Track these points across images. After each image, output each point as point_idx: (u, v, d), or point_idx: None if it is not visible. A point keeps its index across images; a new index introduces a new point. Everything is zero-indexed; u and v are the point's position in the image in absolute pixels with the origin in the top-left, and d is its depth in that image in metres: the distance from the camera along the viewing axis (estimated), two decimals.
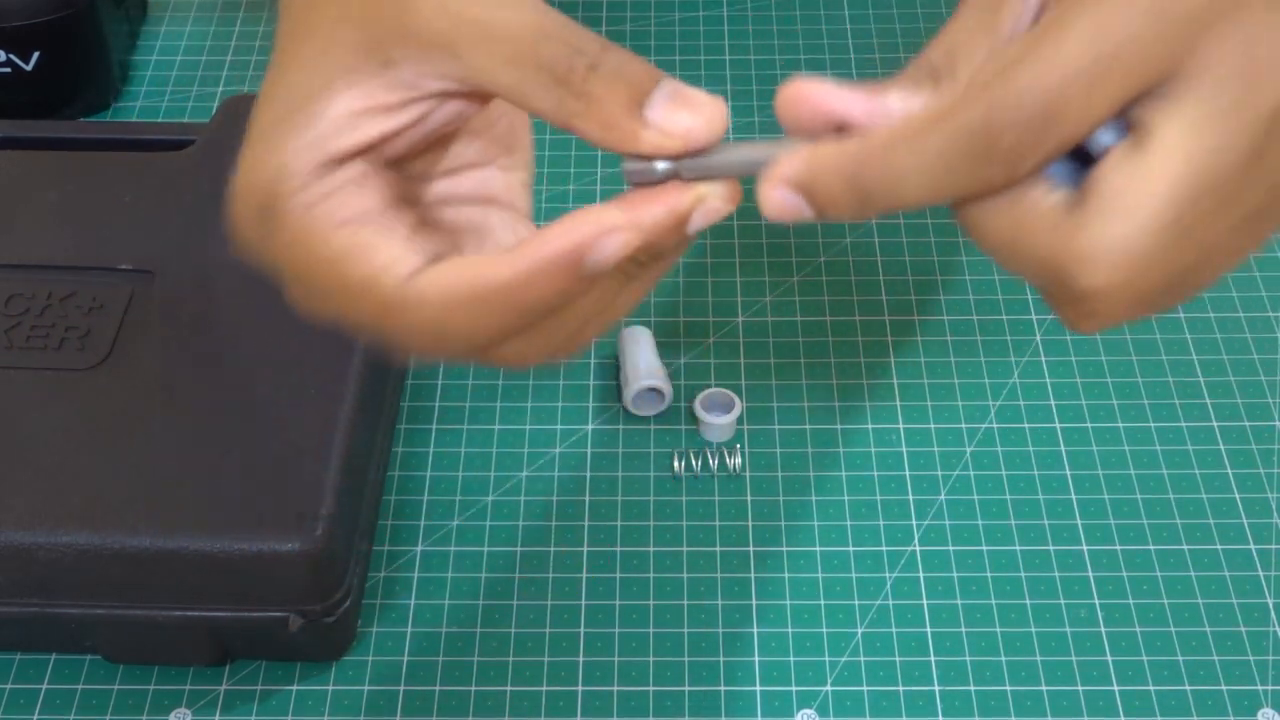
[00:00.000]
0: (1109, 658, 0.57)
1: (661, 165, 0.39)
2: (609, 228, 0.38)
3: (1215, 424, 0.65)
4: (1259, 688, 0.56)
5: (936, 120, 0.35)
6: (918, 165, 0.35)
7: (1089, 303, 0.36)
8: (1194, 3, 0.34)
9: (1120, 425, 0.65)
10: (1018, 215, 0.36)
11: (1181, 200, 0.34)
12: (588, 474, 0.63)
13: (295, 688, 0.57)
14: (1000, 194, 0.35)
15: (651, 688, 0.57)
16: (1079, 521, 0.61)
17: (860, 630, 0.58)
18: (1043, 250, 0.35)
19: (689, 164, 0.39)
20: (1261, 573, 0.60)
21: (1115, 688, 0.56)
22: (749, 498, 0.62)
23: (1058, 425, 0.65)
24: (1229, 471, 0.63)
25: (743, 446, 0.64)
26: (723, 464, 0.63)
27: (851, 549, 0.61)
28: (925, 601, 0.59)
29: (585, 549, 0.61)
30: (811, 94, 0.37)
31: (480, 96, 0.40)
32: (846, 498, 0.62)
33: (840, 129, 0.36)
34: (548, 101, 0.38)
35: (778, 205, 0.39)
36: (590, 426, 0.65)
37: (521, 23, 0.37)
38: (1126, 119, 0.35)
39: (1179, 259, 0.35)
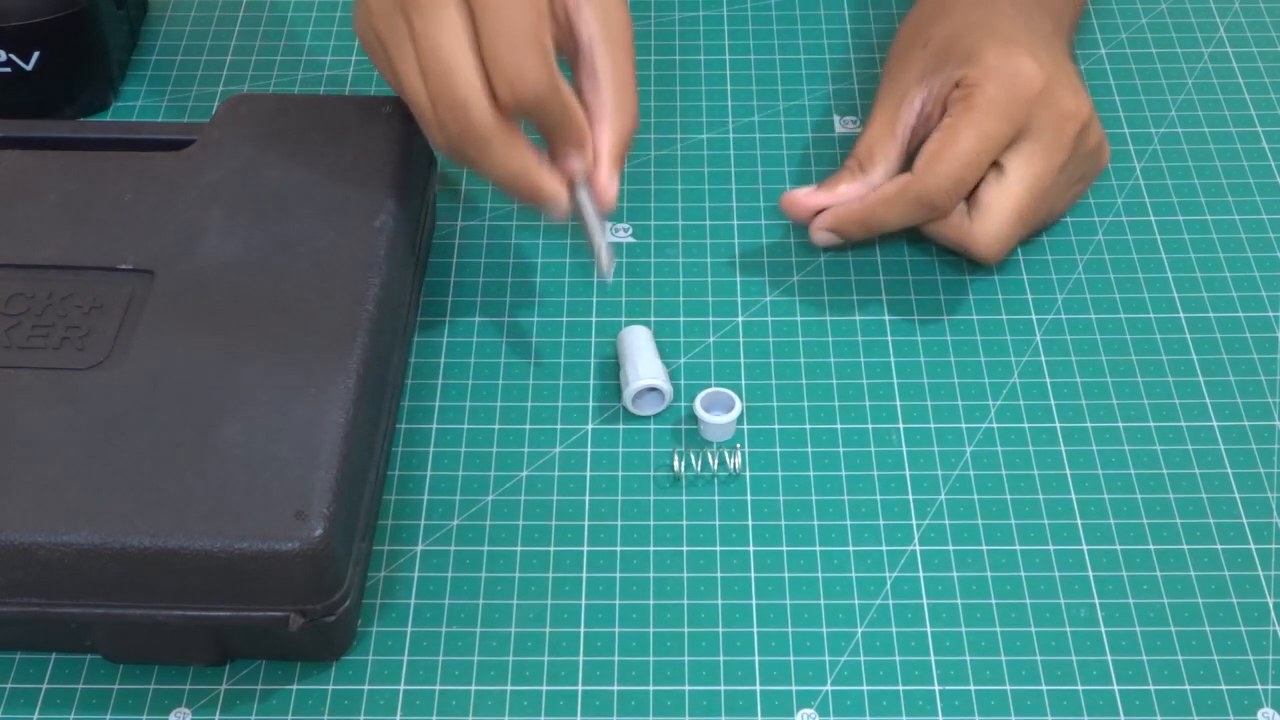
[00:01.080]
0: (1109, 657, 0.57)
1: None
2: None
3: (1215, 424, 0.65)
4: (1259, 687, 0.56)
5: (900, 192, 0.66)
6: (895, 215, 0.67)
7: (981, 256, 0.67)
8: (1029, 100, 0.65)
9: (1120, 425, 0.65)
10: (942, 224, 0.67)
11: (1023, 203, 0.66)
12: (588, 474, 0.63)
13: (295, 688, 0.57)
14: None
15: (651, 687, 0.57)
16: (1079, 521, 0.61)
17: (860, 630, 0.58)
18: (954, 236, 0.67)
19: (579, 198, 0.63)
20: (1261, 573, 0.60)
21: (1115, 687, 0.56)
22: (749, 498, 0.62)
23: (1058, 425, 0.65)
24: (1229, 471, 0.63)
25: (743, 446, 0.64)
26: (723, 464, 0.63)
27: (851, 549, 0.61)
28: (925, 601, 0.59)
29: (585, 549, 0.61)
30: (801, 198, 0.69)
31: None
32: (846, 498, 0.62)
33: (819, 211, 0.68)
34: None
35: (824, 239, 0.69)
36: (590, 426, 0.65)
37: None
38: None
39: (1025, 229, 0.67)
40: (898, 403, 0.65)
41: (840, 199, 0.68)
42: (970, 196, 0.66)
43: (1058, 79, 0.66)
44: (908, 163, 0.67)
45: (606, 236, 0.64)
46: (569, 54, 0.62)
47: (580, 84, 0.62)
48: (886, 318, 0.69)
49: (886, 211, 0.66)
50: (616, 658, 0.57)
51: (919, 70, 0.68)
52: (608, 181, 0.62)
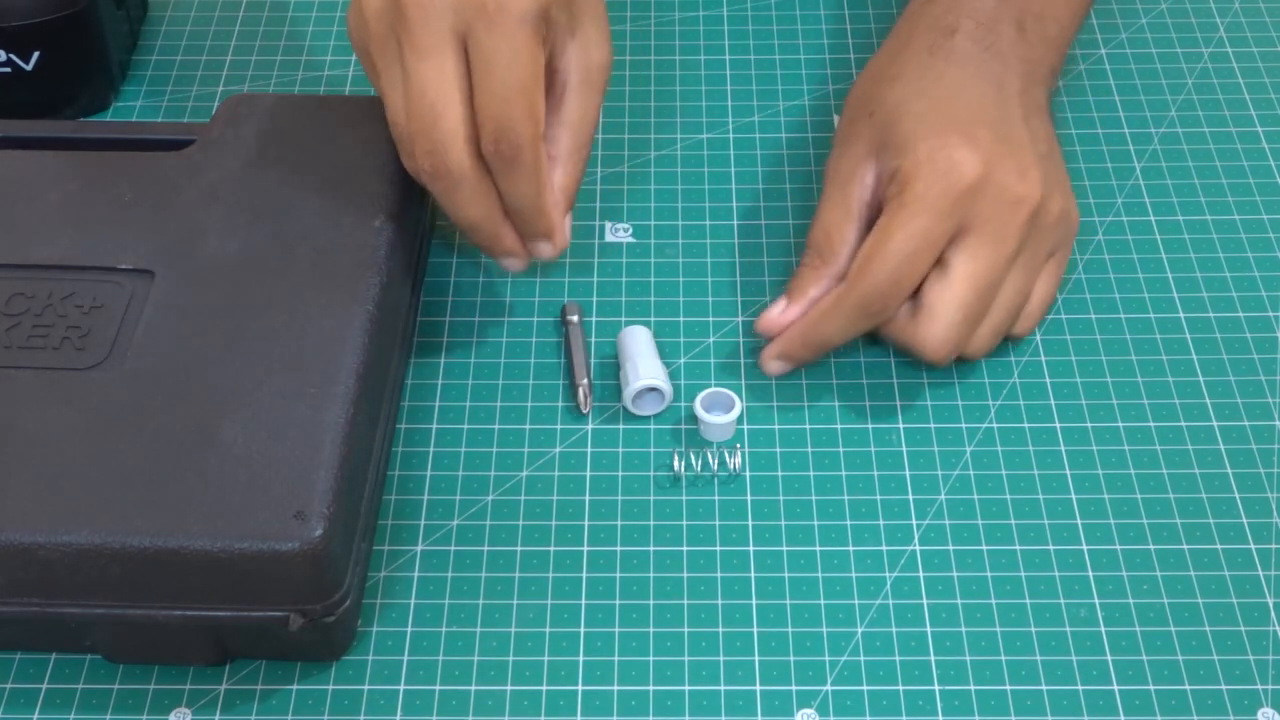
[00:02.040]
0: (1109, 657, 0.57)
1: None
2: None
3: (1215, 424, 0.65)
4: (1259, 687, 0.56)
5: (837, 303, 0.62)
6: (837, 328, 0.63)
7: (929, 360, 0.62)
8: (966, 192, 0.61)
9: (1120, 425, 0.65)
10: (890, 326, 0.63)
11: (968, 301, 0.61)
12: (588, 474, 0.63)
13: (295, 688, 0.57)
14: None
15: (651, 687, 0.57)
16: (1079, 521, 0.61)
17: (860, 630, 0.58)
18: (900, 337, 0.63)
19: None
20: (1261, 573, 0.60)
21: (1115, 687, 0.56)
22: (749, 498, 0.62)
23: (1058, 425, 0.65)
24: (1229, 471, 0.63)
25: (743, 446, 0.64)
26: (723, 464, 0.63)
27: (851, 549, 0.61)
28: (925, 601, 0.59)
29: (585, 549, 0.61)
30: (777, 320, 0.65)
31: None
32: (846, 498, 0.62)
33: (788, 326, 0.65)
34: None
35: (775, 369, 0.66)
36: (590, 426, 0.65)
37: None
38: None
39: (970, 325, 0.62)
40: (898, 403, 0.65)
41: (812, 303, 0.64)
42: (914, 296, 0.62)
43: (1001, 164, 0.62)
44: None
45: (590, 375, 0.65)
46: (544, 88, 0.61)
47: (546, 118, 0.61)
48: None
49: (829, 325, 0.62)
50: (616, 658, 0.57)
51: (866, 144, 0.65)
52: (563, 224, 0.63)
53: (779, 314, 0.65)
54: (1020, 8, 0.69)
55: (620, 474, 0.63)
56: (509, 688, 0.57)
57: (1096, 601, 0.59)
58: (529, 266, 0.64)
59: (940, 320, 0.61)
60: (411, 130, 0.59)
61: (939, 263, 0.62)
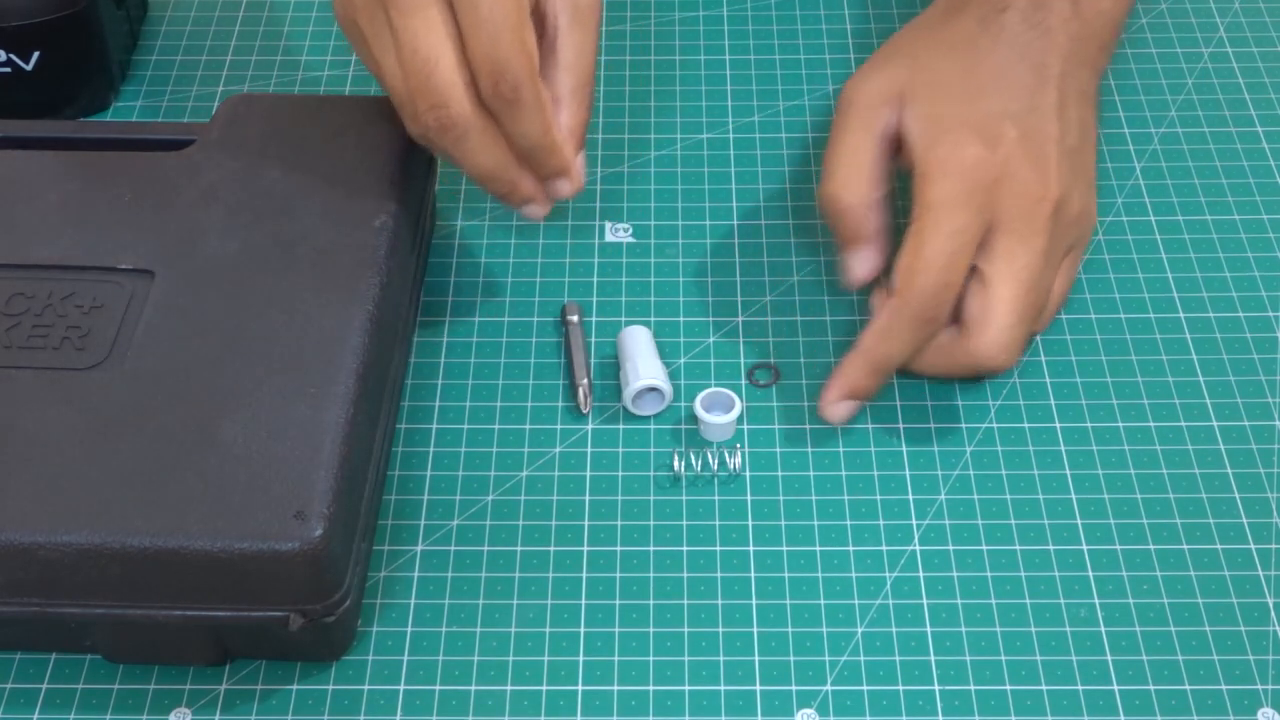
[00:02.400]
0: (1109, 657, 0.57)
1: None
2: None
3: (1215, 424, 0.65)
4: (1259, 687, 0.56)
5: (890, 320, 0.61)
6: (895, 345, 0.61)
7: (992, 369, 0.62)
8: (986, 187, 0.61)
9: (1120, 425, 0.65)
10: (939, 354, 0.62)
11: (1018, 299, 0.61)
12: (588, 474, 0.63)
13: (295, 688, 0.57)
14: (926, 345, 0.62)
15: (651, 687, 0.57)
16: (1079, 521, 0.61)
17: (860, 630, 0.58)
18: (956, 360, 0.62)
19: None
20: (1261, 573, 0.60)
21: (1115, 687, 0.56)
22: (749, 498, 0.62)
23: (1058, 425, 0.65)
24: (1229, 471, 0.63)
25: (743, 446, 0.64)
26: (723, 464, 0.63)
27: (851, 549, 0.61)
28: (925, 601, 0.59)
29: (585, 549, 0.61)
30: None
31: None
32: (846, 498, 0.62)
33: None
34: None
35: (842, 412, 0.63)
36: (590, 426, 0.65)
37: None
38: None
39: (1026, 324, 0.61)
40: (898, 403, 0.65)
41: (868, 276, 0.64)
42: (958, 316, 0.61)
43: (1021, 163, 0.62)
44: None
45: (590, 375, 0.65)
46: (535, 32, 0.62)
47: (542, 64, 0.62)
48: None
49: (890, 344, 0.61)
50: (616, 658, 0.57)
51: (896, 87, 0.65)
52: (576, 162, 0.63)
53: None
54: None
55: (620, 474, 0.63)
56: (509, 688, 0.57)
57: (1096, 601, 0.59)
58: (549, 212, 0.64)
59: (992, 326, 0.60)
60: (410, 88, 0.59)
61: (975, 274, 0.61)
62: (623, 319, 0.69)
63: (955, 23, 0.67)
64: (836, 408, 0.63)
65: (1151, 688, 0.56)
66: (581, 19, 0.62)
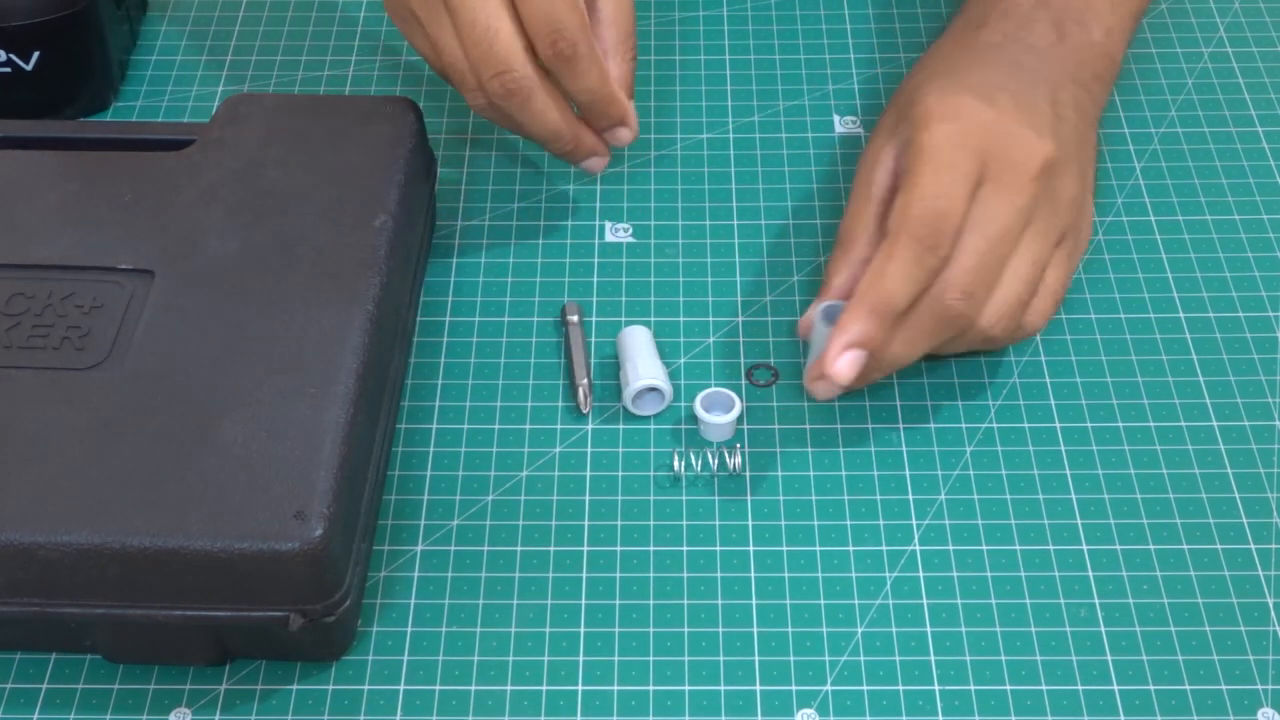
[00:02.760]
0: (1109, 657, 0.57)
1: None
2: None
3: (1215, 424, 0.65)
4: (1259, 687, 0.56)
5: (888, 255, 0.58)
6: (895, 281, 0.58)
7: (959, 310, 0.59)
8: (977, 132, 0.61)
9: (1120, 425, 0.65)
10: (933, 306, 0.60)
11: (979, 248, 0.59)
12: (588, 474, 0.63)
13: (295, 688, 0.57)
14: (947, 331, 0.61)
15: (651, 687, 0.57)
16: (1079, 521, 0.61)
17: (860, 630, 0.58)
18: (971, 335, 0.61)
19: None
20: (1261, 573, 0.60)
21: (1115, 687, 0.56)
22: (749, 498, 0.62)
23: (1058, 425, 0.65)
24: (1229, 471, 0.63)
25: (743, 446, 0.64)
26: (723, 464, 0.63)
27: (851, 549, 0.61)
28: (925, 601, 0.59)
29: (585, 549, 0.61)
30: (808, 320, 0.63)
31: None
32: (846, 498, 0.62)
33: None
34: None
35: (844, 368, 0.59)
36: (590, 426, 0.65)
37: None
38: None
39: (987, 273, 0.59)
40: (898, 403, 0.65)
41: (838, 291, 0.62)
42: None
43: (1013, 118, 0.62)
44: None
45: (590, 375, 0.65)
46: None
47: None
48: None
49: (889, 281, 0.58)
50: (616, 658, 0.57)
51: (887, 129, 0.65)
52: (631, 109, 0.68)
53: (813, 308, 0.62)
54: (1059, 10, 0.68)
55: (620, 474, 0.63)
56: (509, 688, 0.57)
57: (1096, 601, 0.59)
58: (608, 163, 0.69)
59: (955, 265, 0.59)
60: (474, 59, 0.63)
61: None
62: (623, 319, 0.69)
63: (933, 52, 0.70)
64: (841, 362, 0.59)
65: (1151, 688, 0.56)
66: None
